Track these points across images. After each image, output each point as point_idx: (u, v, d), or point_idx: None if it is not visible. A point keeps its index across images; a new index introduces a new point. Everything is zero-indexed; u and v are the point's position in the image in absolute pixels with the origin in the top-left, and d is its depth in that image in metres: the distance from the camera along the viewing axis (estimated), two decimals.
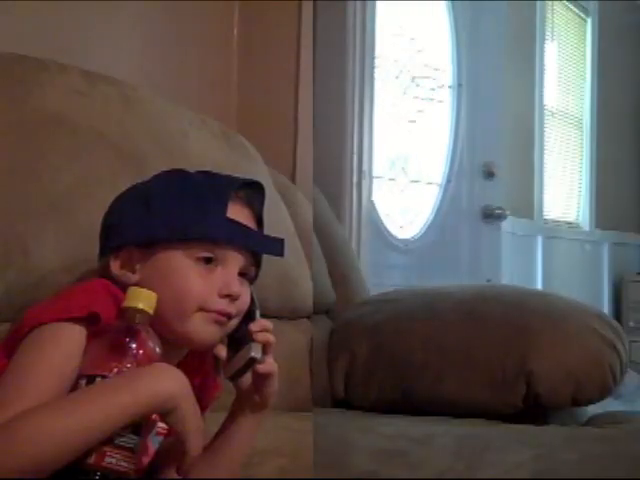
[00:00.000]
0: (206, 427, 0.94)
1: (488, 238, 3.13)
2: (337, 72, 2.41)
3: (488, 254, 3.13)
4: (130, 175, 1.27)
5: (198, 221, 0.94)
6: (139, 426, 0.81)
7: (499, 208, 3.16)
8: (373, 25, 2.53)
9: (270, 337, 0.97)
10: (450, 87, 3.09)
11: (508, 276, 3.19)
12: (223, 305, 0.94)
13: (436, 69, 3.07)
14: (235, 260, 0.96)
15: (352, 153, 2.43)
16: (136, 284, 0.93)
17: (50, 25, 1.76)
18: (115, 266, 0.95)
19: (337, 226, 2.23)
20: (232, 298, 0.95)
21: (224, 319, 0.95)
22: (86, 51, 1.83)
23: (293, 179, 2.26)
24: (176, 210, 0.95)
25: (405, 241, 2.92)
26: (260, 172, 1.80)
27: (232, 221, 0.96)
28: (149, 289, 0.90)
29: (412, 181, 2.99)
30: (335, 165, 2.42)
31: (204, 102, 2.16)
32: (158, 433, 0.85)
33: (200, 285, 0.93)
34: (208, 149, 1.68)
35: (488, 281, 3.01)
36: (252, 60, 2.35)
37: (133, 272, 0.95)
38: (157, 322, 0.89)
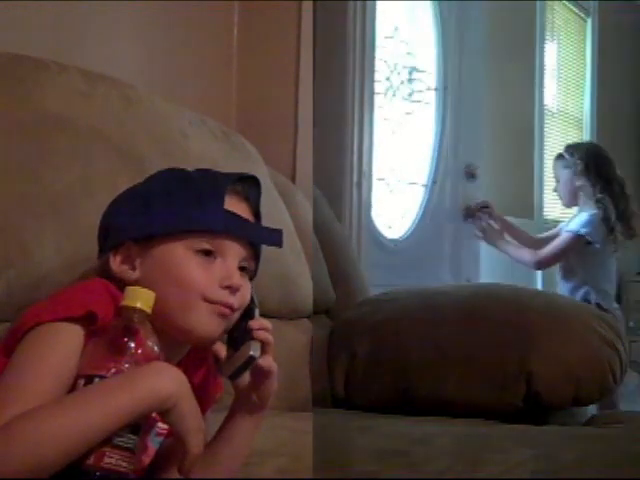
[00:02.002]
0: (206, 427, 0.94)
1: (469, 238, 3.17)
2: (337, 72, 2.41)
3: (467, 254, 3.16)
4: (130, 175, 1.27)
5: (196, 213, 0.94)
6: (138, 426, 0.81)
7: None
8: (373, 25, 2.53)
9: (269, 336, 0.97)
10: (436, 89, 3.10)
11: (498, 276, 3.15)
12: (225, 296, 0.94)
13: (424, 71, 3.10)
14: (234, 252, 0.96)
15: (352, 153, 2.43)
16: (136, 280, 0.93)
17: (50, 25, 1.76)
18: (115, 263, 0.95)
19: (337, 226, 2.23)
20: (233, 289, 0.94)
21: (228, 311, 0.94)
22: (86, 51, 1.83)
23: (293, 179, 2.26)
24: (174, 204, 0.95)
25: (395, 241, 2.92)
26: (260, 172, 1.80)
27: (230, 212, 0.96)
28: (150, 284, 0.90)
29: (400, 181, 3.02)
30: (335, 165, 2.42)
31: (204, 102, 2.16)
32: (158, 434, 0.85)
33: (201, 276, 0.93)
34: (208, 149, 1.68)
35: (467, 280, 3.05)
36: (252, 60, 2.35)
37: (133, 268, 0.94)
38: (160, 317, 0.89)
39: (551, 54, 4.36)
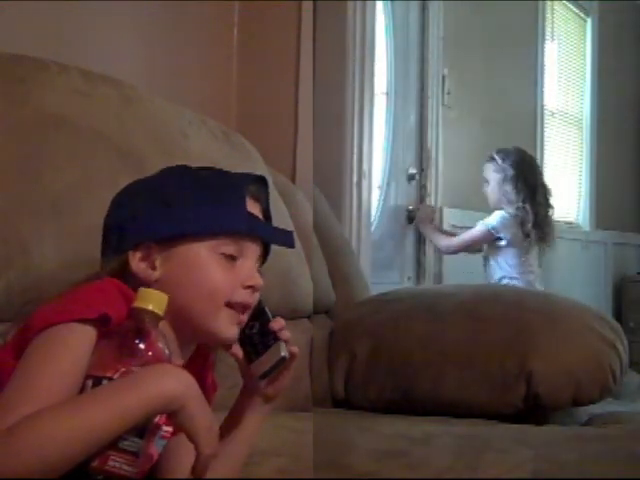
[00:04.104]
0: None
1: (409, 238, 3.26)
2: (337, 72, 2.41)
3: (409, 253, 3.27)
4: (130, 175, 1.26)
5: (221, 214, 0.95)
6: (143, 430, 0.81)
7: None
8: (373, 25, 2.53)
9: (289, 334, 0.99)
10: (387, 94, 3.14)
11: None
12: (246, 296, 0.96)
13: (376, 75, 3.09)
14: (253, 252, 0.98)
15: (352, 153, 2.44)
16: (157, 280, 0.93)
17: (50, 25, 1.76)
18: (135, 262, 0.94)
19: (337, 226, 2.24)
20: (255, 289, 0.96)
21: (243, 319, 0.96)
22: (86, 51, 1.83)
23: (293, 179, 2.26)
24: (197, 204, 0.95)
25: None
26: (260, 172, 1.80)
27: (251, 215, 0.98)
28: (172, 284, 0.91)
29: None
30: (335, 165, 2.42)
31: (204, 102, 2.16)
32: (162, 436, 0.85)
33: (225, 279, 0.94)
34: (208, 149, 1.68)
35: (408, 279, 3.20)
36: (252, 60, 2.35)
37: (153, 268, 0.94)
38: (180, 318, 0.90)
39: (551, 54, 4.36)
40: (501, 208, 3.13)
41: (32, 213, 1.27)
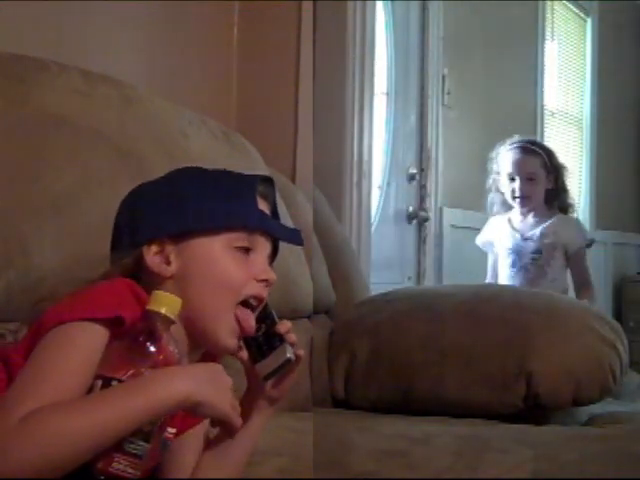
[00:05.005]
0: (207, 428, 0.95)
1: (409, 238, 3.20)
2: (337, 72, 2.41)
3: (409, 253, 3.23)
4: (130, 175, 1.27)
5: (234, 209, 0.96)
6: (149, 433, 0.81)
7: (422, 210, 3.18)
8: (373, 25, 2.53)
9: (295, 337, 1.00)
10: (387, 94, 3.11)
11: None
12: (260, 289, 0.97)
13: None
14: (265, 248, 0.99)
15: (352, 153, 2.43)
16: (172, 275, 0.93)
17: (50, 25, 1.77)
18: (149, 256, 0.95)
19: (337, 226, 2.24)
20: (269, 283, 0.98)
21: (251, 320, 0.97)
22: (86, 51, 1.84)
23: (293, 179, 2.26)
24: (210, 200, 0.96)
25: None
26: (260, 172, 1.80)
27: (262, 212, 0.99)
28: (186, 278, 0.92)
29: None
30: (335, 165, 2.42)
31: (204, 102, 2.16)
32: (166, 437, 0.85)
33: (239, 271, 0.96)
34: (208, 149, 1.69)
35: (408, 279, 3.11)
36: (252, 60, 2.35)
37: (168, 263, 0.95)
38: (192, 319, 0.92)
39: (551, 54, 4.36)
40: (533, 210, 2.70)
41: (32, 213, 1.27)
